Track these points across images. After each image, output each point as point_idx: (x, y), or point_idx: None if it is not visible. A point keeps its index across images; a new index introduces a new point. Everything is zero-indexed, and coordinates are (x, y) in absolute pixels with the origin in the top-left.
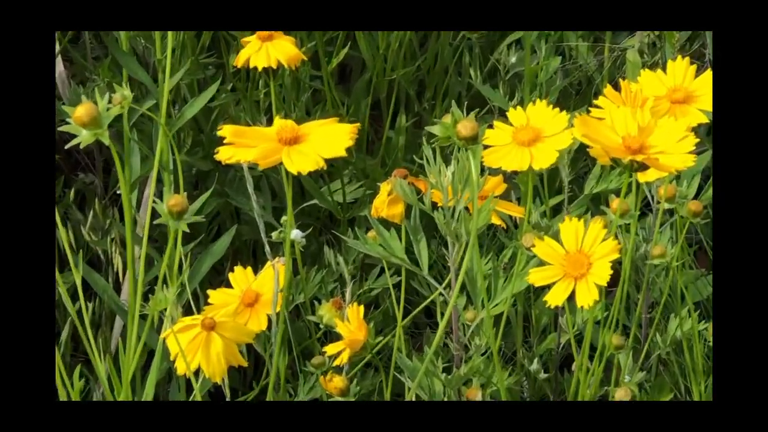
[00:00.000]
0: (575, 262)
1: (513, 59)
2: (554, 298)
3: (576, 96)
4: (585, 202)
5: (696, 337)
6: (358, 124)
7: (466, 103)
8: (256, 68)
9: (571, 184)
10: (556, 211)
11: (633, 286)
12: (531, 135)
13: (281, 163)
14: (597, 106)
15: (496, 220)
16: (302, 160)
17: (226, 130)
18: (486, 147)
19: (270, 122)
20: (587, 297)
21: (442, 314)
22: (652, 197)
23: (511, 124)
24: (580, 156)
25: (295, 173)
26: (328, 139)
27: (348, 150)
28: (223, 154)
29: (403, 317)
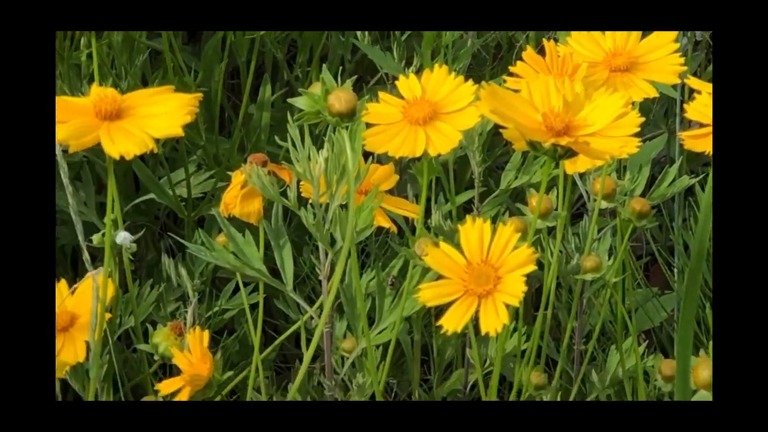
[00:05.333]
0: (479, 276)
1: None
2: (451, 322)
3: (493, 63)
4: (502, 199)
5: (640, 376)
6: (200, 95)
7: (351, 70)
8: None
9: (486, 176)
10: (468, 210)
11: (564, 308)
12: (426, 111)
13: (100, 145)
14: (514, 74)
15: (384, 222)
16: (126, 141)
17: None
18: (370, 126)
19: None
20: (494, 321)
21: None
22: (588, 193)
23: (401, 97)
24: (498, 139)
25: (117, 157)
26: (160, 113)
27: (195, 128)
28: None
29: (267, 346)
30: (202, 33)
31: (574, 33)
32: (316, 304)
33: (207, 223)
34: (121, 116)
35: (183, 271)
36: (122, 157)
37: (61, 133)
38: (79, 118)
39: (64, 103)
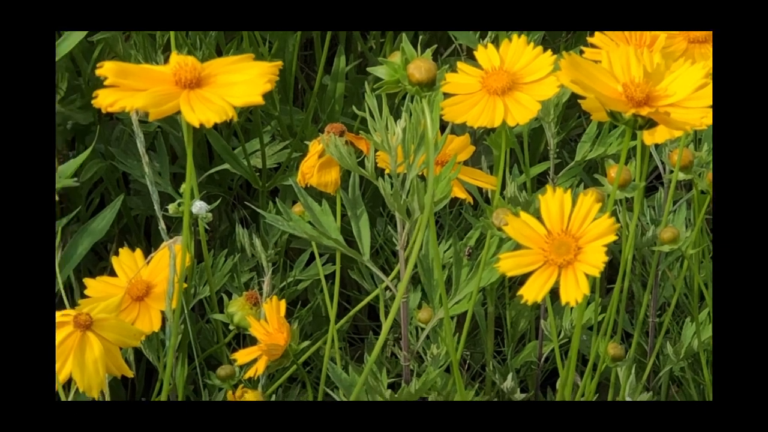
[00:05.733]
0: (560, 246)
1: None
2: (531, 292)
3: (567, 34)
4: (577, 171)
5: None
6: (280, 63)
7: (424, 41)
8: None
9: (560, 148)
10: (540, 182)
11: (638, 281)
12: (505, 81)
13: (179, 113)
14: (592, 45)
15: (460, 193)
16: (206, 109)
17: (107, 69)
18: (447, 96)
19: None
20: (575, 291)
21: (388, 313)
22: (663, 165)
23: (479, 67)
24: (571, 112)
25: (197, 125)
26: (240, 81)
27: (269, 99)
28: (104, 100)
29: (339, 317)
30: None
31: None
32: (392, 274)
33: (281, 194)
34: (200, 84)
35: (257, 242)
36: (198, 127)
37: (141, 100)
38: (159, 86)
39: (143, 71)
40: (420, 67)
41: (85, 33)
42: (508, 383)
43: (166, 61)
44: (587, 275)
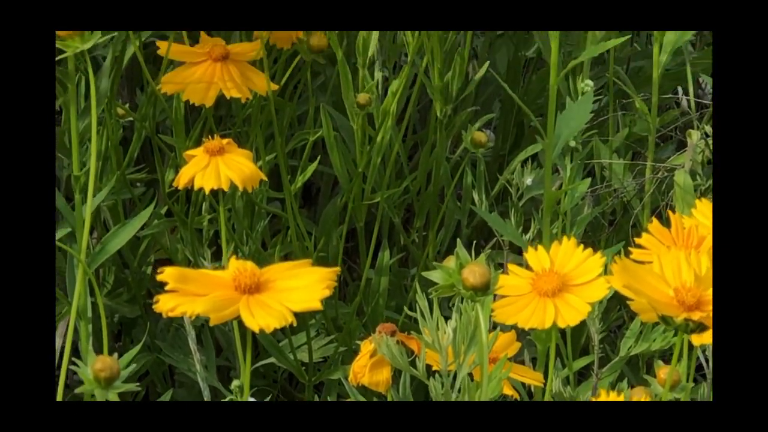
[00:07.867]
0: None
1: (528, 180)
2: None
3: (609, 229)
4: (619, 367)
5: None
6: (338, 269)
7: (467, 235)
8: (199, 189)
9: (602, 343)
10: (582, 375)
11: None
12: (555, 283)
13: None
14: (639, 246)
15: (507, 390)
16: (265, 314)
17: (167, 274)
18: (497, 297)
19: (216, 256)
20: None
21: None
22: (707, 361)
23: (527, 266)
24: (612, 303)
25: (257, 330)
26: (299, 287)
27: None
28: (165, 305)
29: None
30: (319, 196)
31: (698, 203)
32: None
33: (326, 389)
34: (260, 289)
35: None
36: (257, 332)
37: (201, 306)
38: (219, 292)
39: (203, 277)
40: (474, 272)
41: (134, 231)
42: None
43: (213, 255)
44: None
